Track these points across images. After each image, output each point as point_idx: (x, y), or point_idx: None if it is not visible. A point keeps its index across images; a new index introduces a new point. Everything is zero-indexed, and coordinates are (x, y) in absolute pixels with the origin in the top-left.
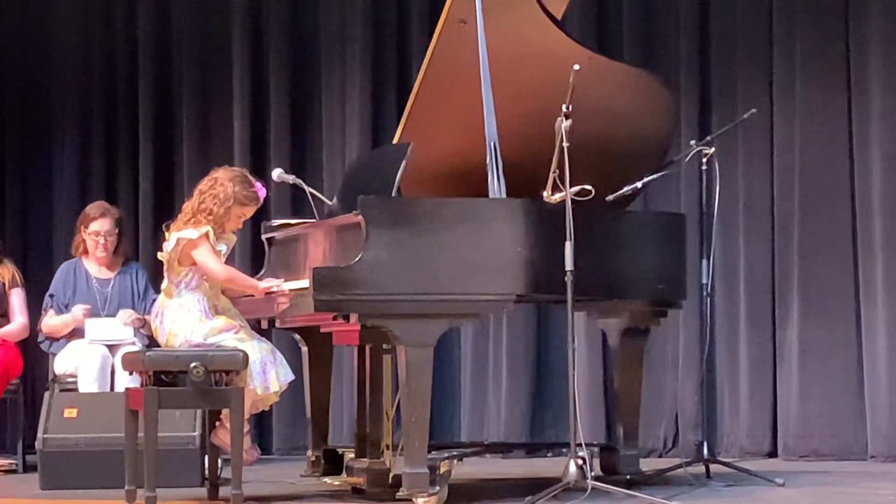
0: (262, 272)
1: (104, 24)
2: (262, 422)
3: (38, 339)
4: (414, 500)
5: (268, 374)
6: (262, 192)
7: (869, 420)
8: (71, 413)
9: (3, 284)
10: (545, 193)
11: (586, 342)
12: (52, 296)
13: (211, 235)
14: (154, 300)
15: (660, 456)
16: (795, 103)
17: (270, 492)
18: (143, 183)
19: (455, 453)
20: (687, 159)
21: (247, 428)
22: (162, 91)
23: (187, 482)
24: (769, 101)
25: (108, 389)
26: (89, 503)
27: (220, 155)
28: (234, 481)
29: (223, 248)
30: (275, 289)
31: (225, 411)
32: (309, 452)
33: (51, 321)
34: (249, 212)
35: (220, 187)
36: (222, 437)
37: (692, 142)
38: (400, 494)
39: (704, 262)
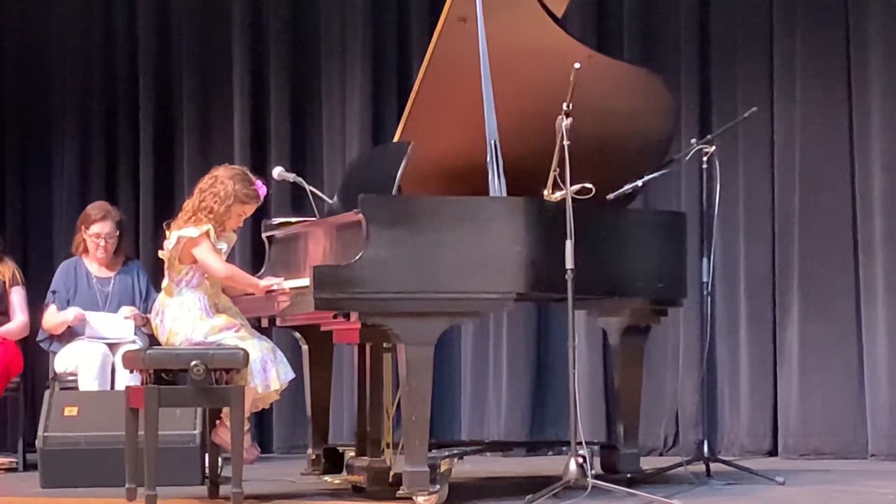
0: (262, 270)
1: (104, 23)
2: (262, 420)
3: (39, 337)
4: (414, 498)
5: (268, 373)
6: (263, 191)
7: (869, 419)
8: (71, 411)
9: (4, 283)
10: (546, 192)
11: (587, 341)
12: (54, 292)
13: (212, 234)
14: (155, 299)
15: (660, 454)
16: (796, 102)
17: (271, 490)
18: (143, 181)
19: (455, 452)
20: (687, 158)
21: (247, 426)
22: (162, 90)
23: (188, 480)
24: (769, 99)
25: (108, 388)
26: (90, 501)
27: (221, 153)
28: (235, 480)
29: (224, 246)
30: (275, 287)
31: (225, 410)
32: (309, 451)
33: (50, 317)
34: (250, 210)
35: (221, 185)
36: (223, 435)
37: (692, 140)
38: (400, 493)
39: (705, 260)
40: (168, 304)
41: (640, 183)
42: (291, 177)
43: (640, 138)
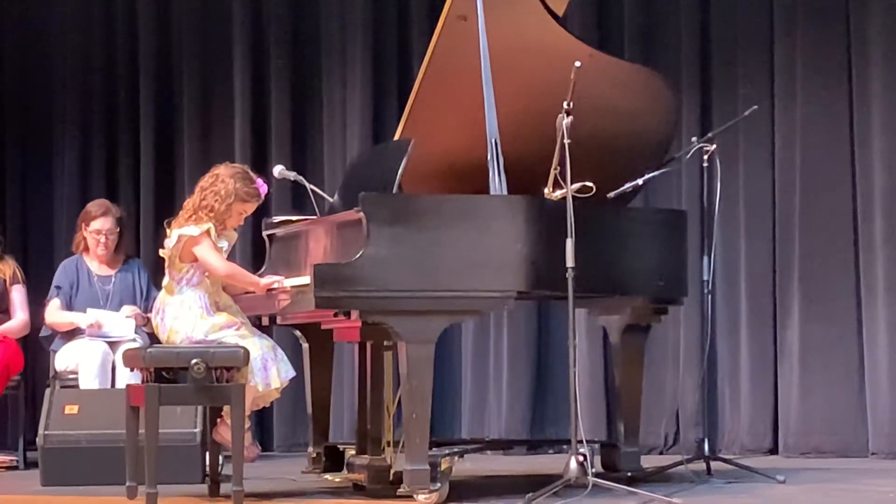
0: (262, 269)
1: (105, 21)
2: (263, 418)
3: (42, 333)
4: (415, 496)
5: (269, 371)
6: (264, 189)
7: (870, 417)
8: (72, 409)
9: (4, 281)
10: (546, 190)
11: (587, 339)
12: (58, 287)
13: (212, 232)
14: (155, 297)
15: (661, 453)
16: (796, 100)
17: (271, 488)
18: (143, 180)
19: (456, 450)
20: (688, 156)
21: (248, 424)
22: (163, 88)
23: (188, 479)
24: (770, 98)
25: (108, 386)
26: (90, 500)
27: (222, 151)
28: (235, 478)
29: (224, 244)
30: (276, 285)
31: (226, 408)
32: (310, 449)
33: (56, 315)
34: (251, 208)
35: (222, 184)
36: (223, 433)
37: (693, 139)
38: (401, 491)
39: (705, 258)
40: (169, 303)
41: (640, 181)
42: (292, 175)
43: (641, 137)
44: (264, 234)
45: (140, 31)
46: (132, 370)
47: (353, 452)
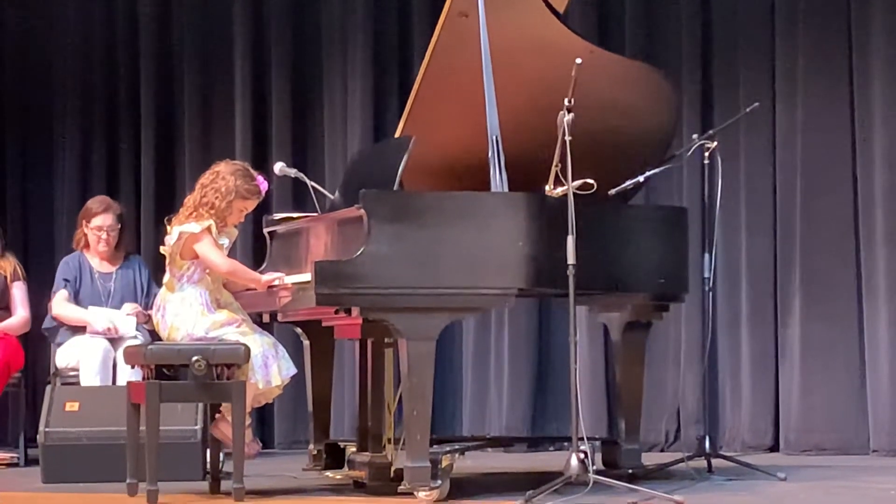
0: (263, 266)
1: (106, 18)
2: (263, 416)
3: (45, 325)
4: (415, 493)
5: (270, 368)
6: (264, 186)
7: (871, 414)
8: (72, 406)
9: (5, 278)
10: (547, 187)
11: (588, 336)
12: (66, 280)
13: (213, 229)
14: (156, 294)
15: (662, 450)
16: (798, 98)
17: (272, 485)
18: (144, 176)
19: (457, 447)
20: (689, 153)
21: (248, 421)
22: (163, 86)
23: (189, 476)
24: (771, 95)
25: (109, 383)
26: (91, 497)
27: (222, 148)
28: (236, 475)
29: (225, 241)
30: (277, 282)
31: (225, 404)
32: (310, 446)
33: (63, 307)
34: (251, 205)
35: (222, 181)
36: (223, 429)
37: (694, 136)
38: (401, 488)
39: (706, 256)
40: (169, 300)
41: (641, 178)
42: (293, 172)
43: (642, 134)
44: (265, 231)
45: (141, 30)
46: (133, 367)
47: (354, 449)
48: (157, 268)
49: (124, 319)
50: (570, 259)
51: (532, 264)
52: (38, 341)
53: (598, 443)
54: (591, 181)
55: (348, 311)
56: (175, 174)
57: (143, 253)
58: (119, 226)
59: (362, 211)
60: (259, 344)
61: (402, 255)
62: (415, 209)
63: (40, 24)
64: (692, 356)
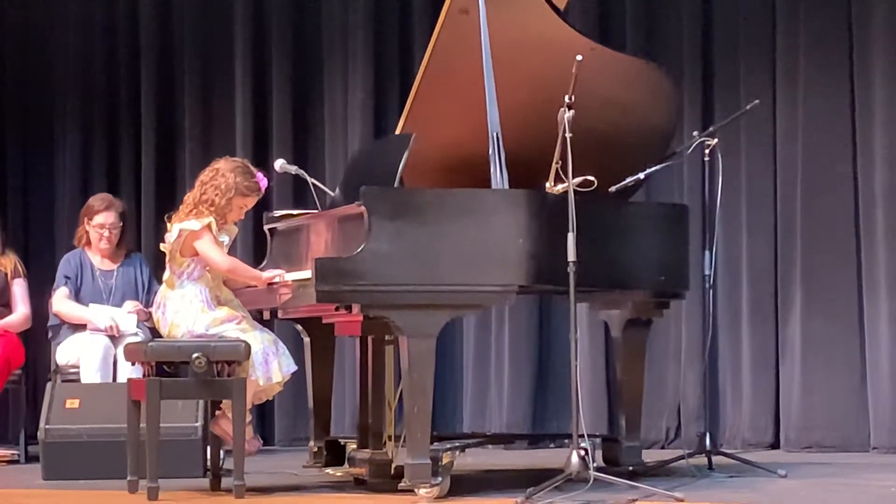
0: (264, 263)
1: (106, 15)
2: (264, 412)
3: (50, 322)
4: (416, 491)
5: (270, 365)
6: (264, 183)
7: (871, 412)
8: (73, 404)
9: (6, 275)
10: (548, 184)
11: (588, 333)
12: (67, 277)
13: (213, 226)
14: (156, 292)
15: (662, 447)
16: (798, 95)
17: (272, 482)
18: (145, 173)
19: (457, 444)
20: (690, 150)
21: (249, 418)
22: (164, 81)
23: (189, 473)
24: (772, 92)
25: (110, 380)
26: (91, 493)
27: (223, 145)
28: (236, 472)
29: (225, 239)
30: (277, 279)
31: (225, 401)
32: (311, 443)
33: (64, 304)
34: (251, 203)
35: (222, 178)
36: (223, 426)
37: (695, 133)
38: (402, 485)
39: (707, 253)
40: (169, 297)
41: (642, 175)
42: (293, 169)
43: (643, 130)
44: (265, 228)
45: (141, 28)
46: (133, 364)
47: (355, 447)
48: (157, 265)
49: (125, 317)
50: (571, 256)
51: (532, 261)
52: (38, 338)
53: (598, 440)
54: (591, 178)
55: (349, 308)
56: (175, 171)
57: (143, 250)
58: (121, 223)
59: (363, 208)
60: (259, 341)
61: (403, 252)
62: (415, 206)
63: (41, 23)
64: (693, 353)
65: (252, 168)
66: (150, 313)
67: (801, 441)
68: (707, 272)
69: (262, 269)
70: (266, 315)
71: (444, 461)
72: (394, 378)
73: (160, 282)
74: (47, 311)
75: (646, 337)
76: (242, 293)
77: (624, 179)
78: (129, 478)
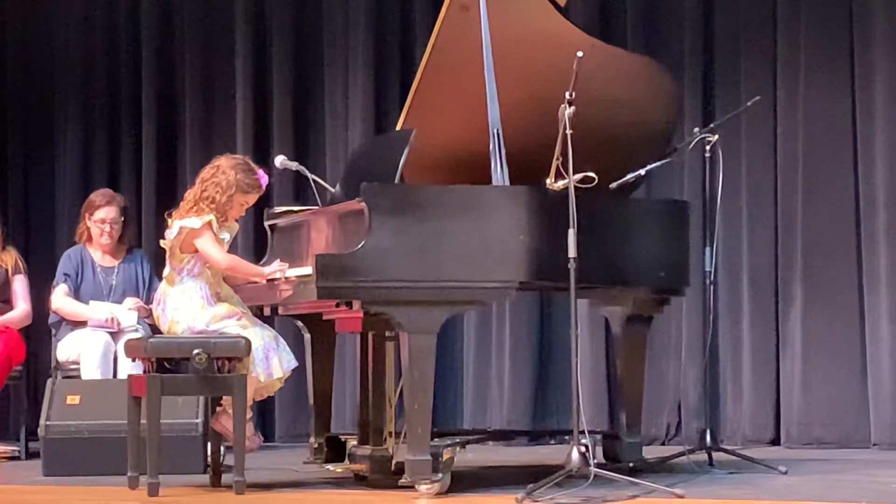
0: (264, 259)
1: (107, 11)
2: (264, 409)
3: (50, 320)
4: (416, 487)
5: (270, 361)
6: (265, 180)
7: (872, 408)
8: (73, 400)
9: (7, 271)
10: (548, 181)
11: (589, 330)
12: (66, 274)
13: (214, 224)
14: (157, 288)
15: (663, 443)
16: (799, 91)
17: (273, 479)
18: (145, 171)
19: (458, 440)
20: (690, 147)
21: (249, 415)
22: (165, 79)
23: (190, 469)
24: (773, 88)
25: (110, 376)
26: (92, 490)
27: (223, 142)
28: (237, 468)
29: (226, 236)
30: (278, 275)
31: (226, 397)
32: (311, 439)
33: (63, 301)
34: (252, 199)
35: (223, 175)
36: (224, 422)
37: (696, 129)
38: (402, 481)
39: (707, 249)
40: (170, 293)
41: (642, 172)
42: (294, 165)
43: (643, 127)
44: (266, 224)
45: (142, 23)
46: (134, 360)
47: (355, 443)
48: (157, 262)
49: (125, 313)
50: (572, 252)
51: (533, 258)
52: (39, 335)
53: (599, 436)
54: (592, 175)
55: (349, 305)
56: (176, 168)
57: (144, 246)
58: (122, 219)
59: (363, 204)
60: (260, 337)
61: (404, 248)
62: (416, 202)
63: (42, 20)
64: (693, 350)
65: (253, 165)
66: (150, 310)
67: (802, 437)
68: (708, 269)
69: (263, 266)
70: (266, 311)
71: (445, 457)
72: (394, 374)
73: (161, 278)
74: (47, 307)
75: (646, 333)
76: (242, 289)
77: (625, 176)
78: (129, 474)
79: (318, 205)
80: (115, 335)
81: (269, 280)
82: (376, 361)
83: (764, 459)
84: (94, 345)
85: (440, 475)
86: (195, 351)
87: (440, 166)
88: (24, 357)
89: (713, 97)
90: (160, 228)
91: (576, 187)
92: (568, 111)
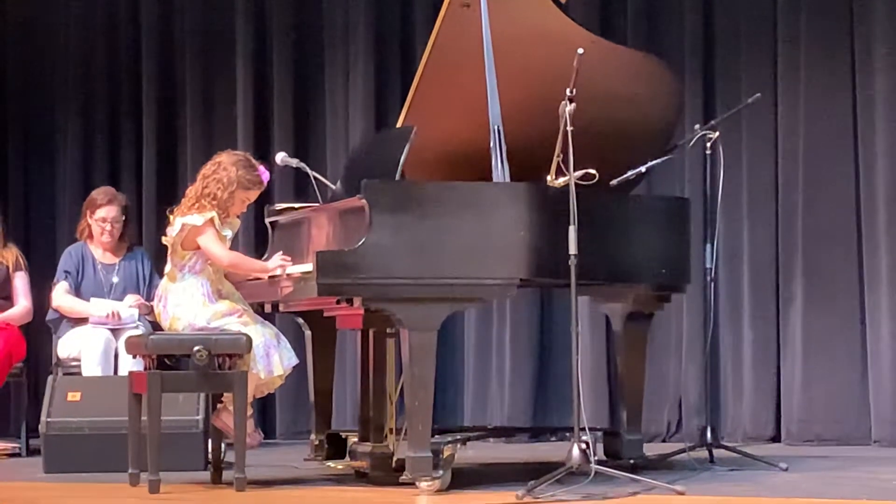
0: (265, 256)
1: (107, 8)
2: (265, 406)
3: (48, 317)
4: (417, 484)
5: (271, 359)
6: (266, 176)
7: (872, 405)
8: (74, 397)
9: (7, 268)
10: (549, 177)
11: (590, 327)
12: (67, 272)
13: (216, 221)
14: (157, 285)
15: (663, 440)
16: (800, 88)
17: (274, 476)
18: (146, 168)
19: (458, 437)
20: (691, 144)
21: (250, 412)
22: (165, 76)
23: (191, 466)
24: (773, 85)
25: (111, 373)
26: (93, 486)
27: (224, 138)
28: (238, 465)
29: (229, 233)
30: (279, 272)
31: (227, 394)
32: (312, 436)
33: (63, 299)
34: (253, 196)
35: (224, 172)
36: (224, 419)
37: (696, 126)
38: (403, 478)
39: (708, 246)
40: (171, 290)
41: (643, 169)
42: (294, 162)
43: (644, 124)
44: (267, 221)
45: (142, 19)
46: (135, 357)
47: (356, 440)
48: (158, 259)
49: (126, 310)
50: (572, 249)
51: (534, 254)
52: (40, 332)
53: (599, 433)
54: (592, 171)
55: (350, 302)
56: (177, 165)
57: (144, 243)
58: (123, 217)
59: (364, 201)
60: (261, 334)
61: (404, 245)
62: (416, 199)
63: (43, 18)
64: (694, 347)
65: (254, 161)
66: (151, 307)
67: (803, 434)
68: (708, 265)
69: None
70: (267, 308)
71: (446, 454)
72: (395, 371)
73: (162, 275)
74: (48, 304)
75: (647, 330)
76: (244, 286)
77: (625, 172)
78: (130, 471)
79: (318, 201)
80: (116, 332)
81: (270, 277)
82: (377, 358)
83: (764, 456)
84: (95, 341)
85: (441, 472)
86: (196, 348)
87: (441, 163)
88: (25, 354)
89: (714, 94)
90: (161, 225)
91: (576, 184)
92: (569, 108)
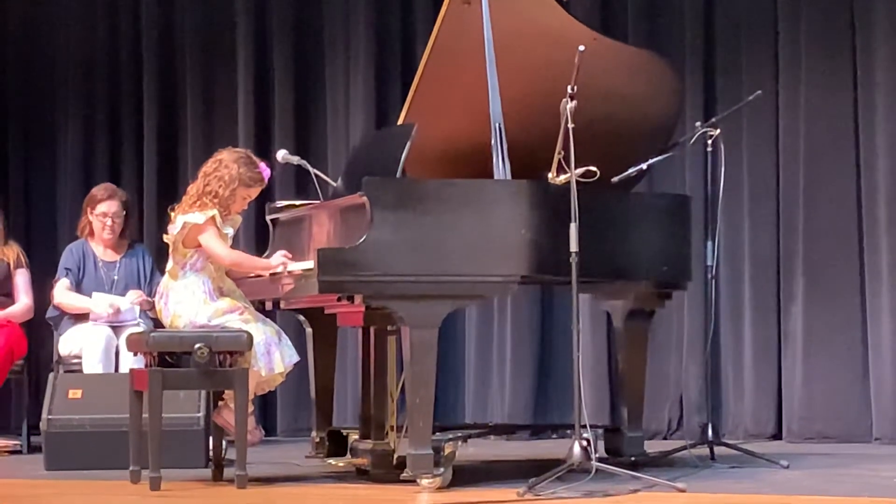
0: (266, 254)
1: (108, 5)
2: (266, 403)
3: (48, 314)
4: (418, 481)
5: (272, 356)
6: (267, 174)
7: (873, 403)
8: (75, 394)
9: (8, 265)
10: (550, 175)
11: (591, 324)
12: (68, 269)
13: (218, 219)
14: (159, 283)
15: (664, 438)
16: (801, 86)
17: (275, 473)
18: (147, 164)
19: (459, 435)
20: (692, 141)
21: (251, 409)
22: (166, 73)
23: (192, 463)
24: (774, 83)
25: (112, 370)
26: (94, 484)
27: (225, 136)
28: (239, 462)
29: (230, 230)
30: (280, 269)
31: (228, 391)
32: (313, 434)
33: (64, 296)
34: (254, 193)
35: (225, 169)
36: (225, 416)
37: (697, 124)
38: (404, 476)
39: (709, 244)
40: (172, 287)
41: (644, 166)
42: (295, 159)
43: (645, 121)
44: (268, 218)
45: (143, 17)
46: (136, 354)
47: (357, 437)
48: (159, 256)
49: (127, 302)
50: (573, 246)
51: (535, 252)
52: (41, 329)
53: (600, 430)
54: (593, 169)
55: (351, 299)
56: (178, 162)
57: (146, 240)
58: (124, 213)
59: (365, 198)
60: (262, 332)
61: (405, 242)
62: (417, 196)
63: (44, 16)
64: (695, 344)
65: (255, 158)
66: (153, 304)
67: (804, 432)
68: (709, 263)
69: (266, 258)
70: (268, 306)
71: (446, 452)
72: (396, 369)
73: (163, 272)
74: (48, 301)
75: (648, 327)
76: (245, 284)
77: (626, 170)
78: (131, 468)
79: (319, 199)
80: (117, 329)
81: (271, 274)
82: (378, 356)
83: (765, 454)
84: (95, 339)
85: (442, 469)
86: (197, 345)
87: (442, 160)
88: (26, 351)
89: (714, 91)
90: (162, 222)
91: (577, 181)
92: (570, 105)
